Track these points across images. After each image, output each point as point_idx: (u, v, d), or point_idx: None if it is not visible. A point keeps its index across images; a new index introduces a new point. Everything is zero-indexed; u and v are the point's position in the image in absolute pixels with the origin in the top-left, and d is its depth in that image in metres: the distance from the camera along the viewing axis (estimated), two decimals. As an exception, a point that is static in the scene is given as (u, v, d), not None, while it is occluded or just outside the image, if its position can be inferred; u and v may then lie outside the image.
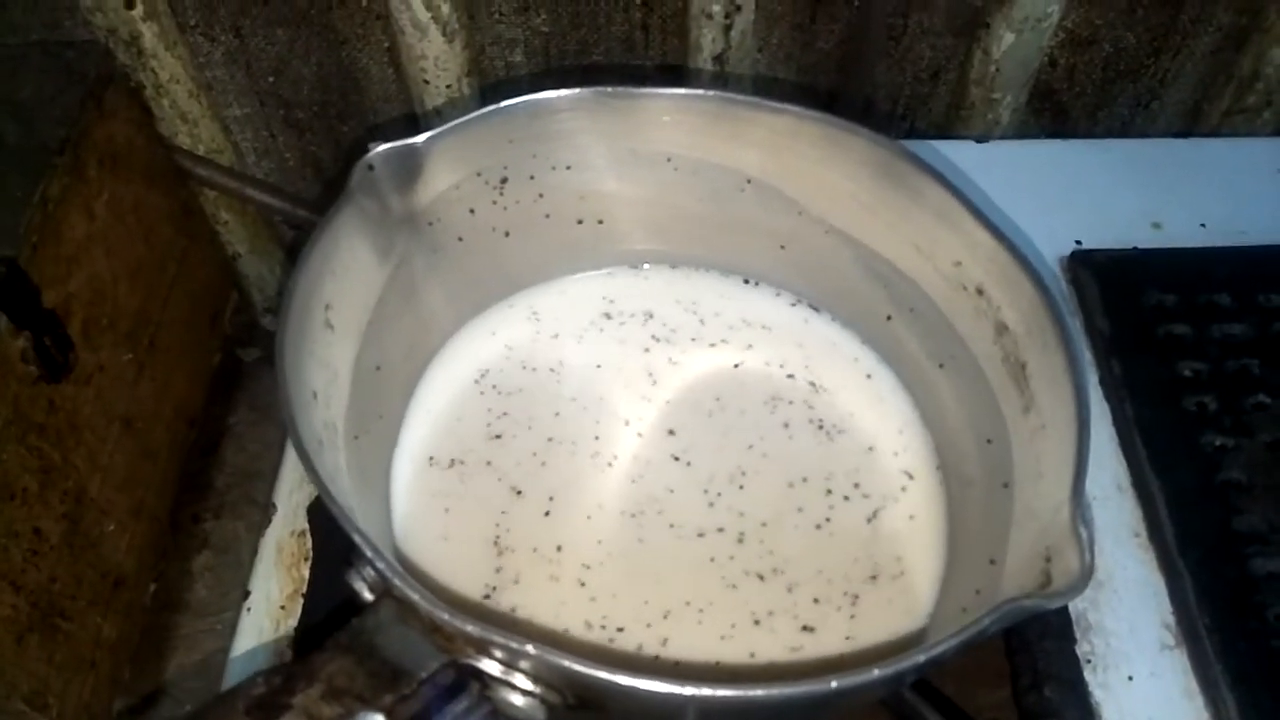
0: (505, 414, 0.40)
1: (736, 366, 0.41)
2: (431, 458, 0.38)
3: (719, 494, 0.37)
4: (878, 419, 0.40)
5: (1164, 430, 0.42)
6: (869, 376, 0.41)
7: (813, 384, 0.41)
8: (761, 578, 0.35)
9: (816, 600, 0.35)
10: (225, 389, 0.69)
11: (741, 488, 0.38)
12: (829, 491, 0.38)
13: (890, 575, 0.36)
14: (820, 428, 0.39)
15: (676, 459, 0.38)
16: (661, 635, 0.34)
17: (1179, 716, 0.36)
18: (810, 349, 0.42)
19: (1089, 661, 0.37)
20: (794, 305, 0.43)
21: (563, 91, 0.37)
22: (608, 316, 0.43)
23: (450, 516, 0.37)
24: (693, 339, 0.42)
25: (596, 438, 0.39)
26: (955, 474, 0.37)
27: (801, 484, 0.38)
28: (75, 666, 0.48)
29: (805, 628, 0.34)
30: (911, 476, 0.38)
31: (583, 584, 0.35)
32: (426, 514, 0.37)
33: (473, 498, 0.37)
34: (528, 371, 0.41)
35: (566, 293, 0.43)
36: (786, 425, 0.40)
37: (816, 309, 0.43)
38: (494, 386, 0.41)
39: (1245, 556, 0.39)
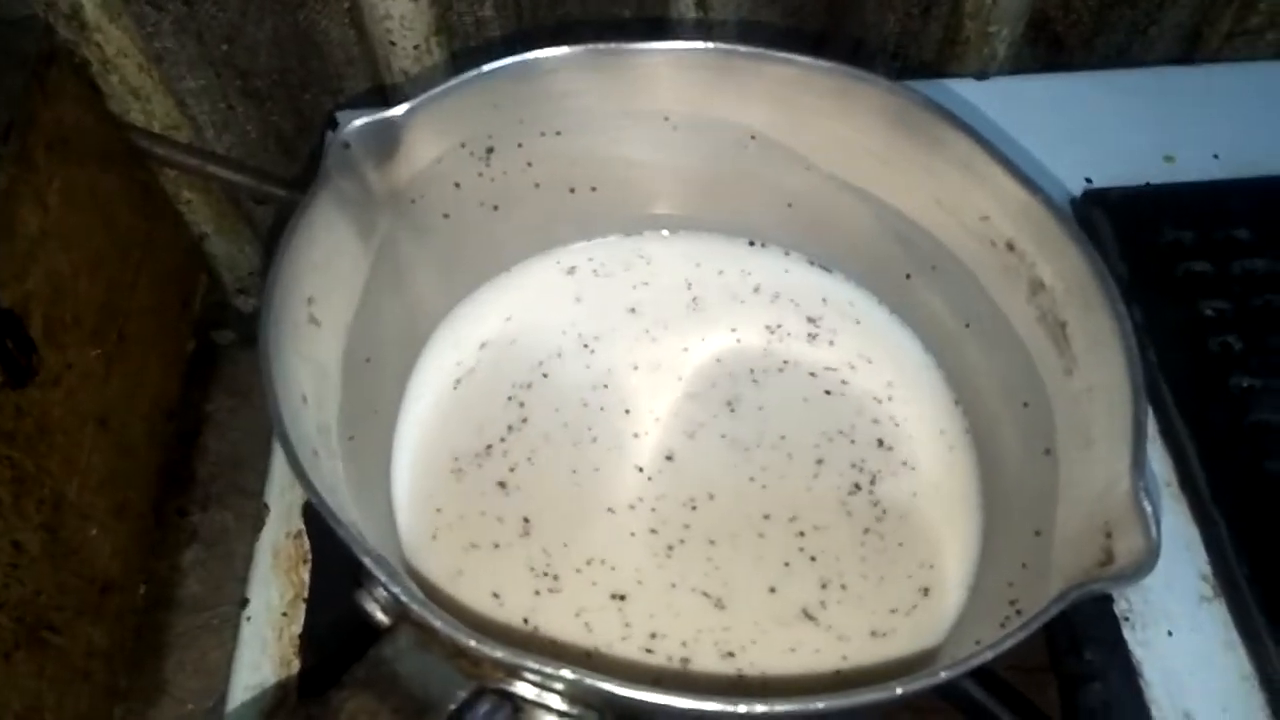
0: (505, 399, 0.38)
1: (739, 341, 0.39)
2: (429, 451, 0.36)
3: (758, 476, 0.36)
4: (897, 381, 0.38)
5: (1190, 374, 0.41)
6: (887, 335, 0.39)
7: (827, 352, 0.39)
8: (787, 564, 0.34)
9: (844, 585, 0.34)
10: (201, 375, 0.66)
11: (753, 479, 0.36)
12: (853, 466, 0.36)
13: (918, 547, 0.34)
14: (830, 393, 0.38)
15: (689, 437, 0.37)
16: (682, 642, 0.32)
17: (1222, 669, 0.35)
18: (820, 310, 0.39)
19: (1127, 619, 0.36)
20: (805, 266, 0.41)
21: (550, 51, 0.34)
22: (607, 287, 0.40)
23: (452, 515, 0.35)
24: (699, 309, 0.40)
25: (599, 424, 0.37)
26: (988, 439, 0.35)
27: (823, 457, 0.36)
28: (69, 679, 0.46)
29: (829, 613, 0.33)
30: (938, 442, 0.36)
31: (594, 584, 0.33)
32: (429, 513, 0.35)
33: (474, 491, 0.35)
34: (525, 352, 0.39)
35: (562, 265, 0.41)
36: (800, 395, 0.38)
37: (829, 269, 0.40)
38: (490, 371, 0.38)
39: (1281, 502, 0.38)
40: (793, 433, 0.37)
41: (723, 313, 0.40)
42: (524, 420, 0.37)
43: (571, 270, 0.41)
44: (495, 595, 0.33)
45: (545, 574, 0.34)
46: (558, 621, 0.33)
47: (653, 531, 0.35)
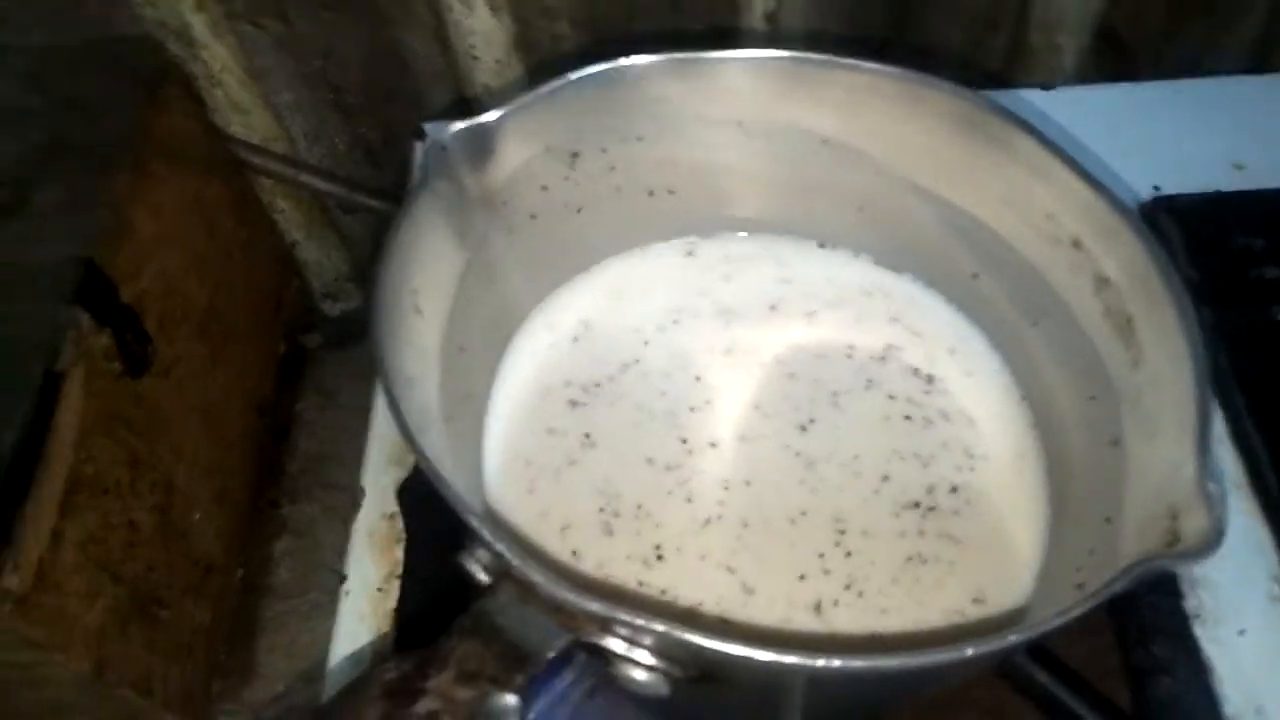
0: (586, 389, 0.40)
1: (815, 336, 0.41)
2: (518, 435, 0.38)
3: (820, 478, 0.37)
4: (968, 379, 0.39)
5: (1261, 378, 0.41)
6: (957, 337, 0.40)
7: (898, 352, 0.40)
8: (849, 555, 0.35)
9: (862, 593, 0.35)
10: (291, 377, 0.69)
11: (803, 482, 0.37)
12: (916, 455, 0.37)
13: (987, 539, 0.35)
14: (909, 399, 0.39)
15: (768, 437, 0.38)
16: (750, 602, 0.34)
17: (1294, 667, 0.35)
18: (893, 311, 0.41)
19: (1197, 616, 0.37)
20: (873, 268, 0.42)
21: (634, 60, 0.36)
22: (684, 287, 0.42)
23: (539, 493, 0.37)
24: (770, 307, 0.42)
25: (680, 413, 0.39)
26: (1055, 433, 0.36)
27: (894, 458, 0.37)
28: (174, 652, 0.49)
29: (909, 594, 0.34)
30: (1006, 437, 0.37)
31: (639, 534, 0.35)
32: (517, 491, 0.37)
33: (559, 474, 0.37)
34: (606, 346, 0.41)
35: (641, 265, 0.43)
36: (872, 393, 0.39)
37: (897, 271, 0.42)
38: (573, 363, 0.40)
39: (1351, 503, 0.38)
40: (864, 451, 0.38)
41: (792, 313, 0.42)
42: (611, 404, 0.39)
43: (650, 270, 0.43)
44: (564, 529, 0.36)
45: (608, 509, 0.36)
46: (597, 561, 0.35)
47: (688, 501, 0.36)
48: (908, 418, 0.38)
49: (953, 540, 0.35)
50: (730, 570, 0.35)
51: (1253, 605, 0.37)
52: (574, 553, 0.35)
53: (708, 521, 0.36)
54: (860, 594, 0.34)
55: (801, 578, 0.35)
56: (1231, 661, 0.35)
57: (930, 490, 0.36)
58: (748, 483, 0.37)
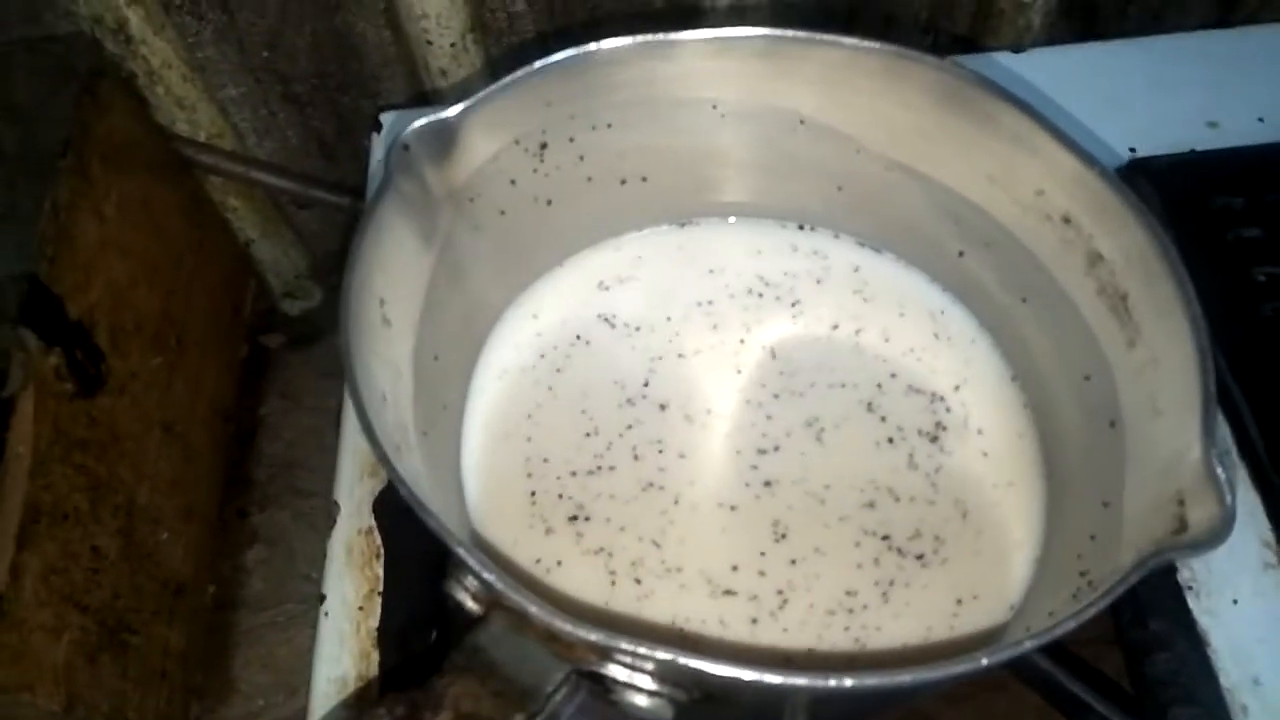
0: (565, 389, 0.38)
1: (796, 320, 0.40)
2: (497, 442, 0.37)
3: (804, 477, 0.36)
4: (952, 360, 0.38)
5: (1244, 341, 0.41)
6: (940, 315, 0.39)
7: (883, 335, 0.39)
8: (763, 554, 0.34)
9: (902, 553, 0.34)
10: (253, 379, 0.67)
11: (811, 447, 0.36)
12: (905, 439, 0.36)
13: (980, 523, 0.34)
14: (894, 376, 0.38)
15: (750, 424, 0.37)
16: (754, 618, 0.33)
17: (1290, 635, 0.35)
18: (874, 293, 0.40)
19: (1190, 589, 0.36)
20: (855, 249, 0.41)
21: (600, 45, 0.35)
22: (661, 278, 0.41)
23: (521, 501, 0.36)
24: (750, 293, 0.40)
25: (662, 407, 0.38)
26: (1050, 415, 0.35)
27: (880, 443, 0.37)
28: (149, 679, 0.47)
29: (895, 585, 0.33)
30: (1001, 420, 0.37)
31: (672, 569, 0.34)
32: (498, 501, 0.36)
33: (542, 480, 0.36)
34: (583, 342, 0.39)
35: (615, 257, 0.41)
36: (855, 383, 0.38)
37: (879, 250, 0.41)
38: (551, 362, 0.39)
39: (1342, 465, 0.38)
40: (857, 424, 0.37)
41: (776, 298, 0.40)
42: (590, 403, 0.38)
43: (625, 261, 0.41)
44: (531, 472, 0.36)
45: (592, 434, 0.37)
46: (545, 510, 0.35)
47: (635, 458, 0.36)
48: (895, 439, 0.37)
49: (939, 542, 0.34)
50: (656, 544, 0.34)
51: (1245, 574, 0.36)
52: (531, 494, 0.36)
53: (649, 486, 0.36)
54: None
55: (735, 569, 0.34)
56: (1226, 633, 0.35)
57: (913, 497, 0.35)
58: (682, 455, 0.36)
